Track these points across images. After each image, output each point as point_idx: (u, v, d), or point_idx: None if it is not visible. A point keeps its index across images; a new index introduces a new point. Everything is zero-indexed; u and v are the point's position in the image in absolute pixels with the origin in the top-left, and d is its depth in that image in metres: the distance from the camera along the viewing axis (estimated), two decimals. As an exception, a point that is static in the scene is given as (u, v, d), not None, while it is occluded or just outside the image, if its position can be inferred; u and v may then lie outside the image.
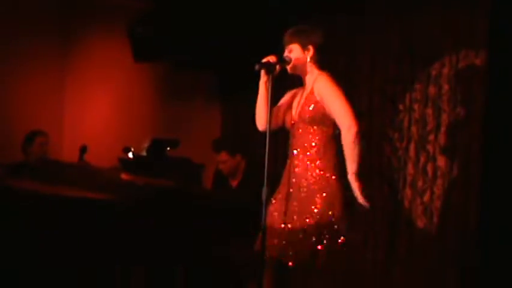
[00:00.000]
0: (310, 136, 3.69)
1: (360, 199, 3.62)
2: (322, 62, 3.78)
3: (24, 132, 5.76)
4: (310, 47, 3.74)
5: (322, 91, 3.67)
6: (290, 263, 3.62)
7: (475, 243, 4.92)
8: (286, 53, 3.75)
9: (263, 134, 3.67)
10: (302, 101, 3.74)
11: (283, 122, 3.84)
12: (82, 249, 4.09)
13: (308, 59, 3.74)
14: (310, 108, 3.68)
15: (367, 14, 5.56)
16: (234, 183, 5.52)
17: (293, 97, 3.86)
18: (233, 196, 5.35)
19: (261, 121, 3.78)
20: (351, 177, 3.61)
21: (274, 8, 5.53)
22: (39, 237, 4.02)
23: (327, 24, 3.96)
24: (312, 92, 3.71)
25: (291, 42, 3.75)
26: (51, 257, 4.03)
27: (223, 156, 5.47)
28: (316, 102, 3.69)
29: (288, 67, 3.74)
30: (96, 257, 4.13)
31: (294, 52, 3.74)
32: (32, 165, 5.43)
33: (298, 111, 3.73)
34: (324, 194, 3.64)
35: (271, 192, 3.70)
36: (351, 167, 3.60)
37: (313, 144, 3.69)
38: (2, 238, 4.03)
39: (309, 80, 3.78)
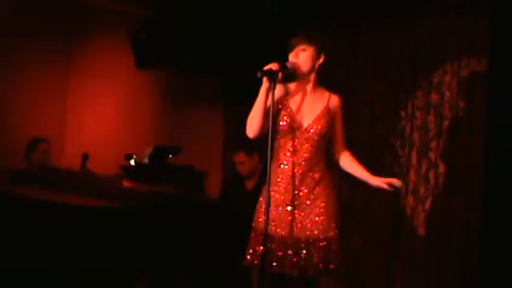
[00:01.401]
0: (313, 147, 3.68)
1: (391, 181, 3.73)
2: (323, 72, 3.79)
3: (26, 139, 5.76)
4: (323, 55, 3.72)
5: (339, 115, 3.78)
6: (296, 273, 3.61)
7: (477, 250, 4.91)
8: (294, 54, 3.68)
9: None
10: (317, 113, 3.70)
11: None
12: (83, 256, 4.08)
13: (316, 67, 3.73)
14: (327, 123, 3.69)
15: (368, 22, 5.57)
16: (250, 184, 5.49)
17: (281, 99, 3.76)
18: (235, 203, 5.34)
19: (253, 128, 3.68)
20: (372, 179, 3.77)
21: (275, 15, 5.53)
22: (41, 244, 4.02)
23: (327, 32, 3.94)
24: (328, 108, 3.72)
25: (306, 43, 3.68)
26: (52, 264, 4.03)
27: (241, 157, 5.44)
28: (329, 118, 3.71)
29: (297, 71, 3.69)
30: (97, 264, 4.13)
31: (306, 54, 3.68)
32: (34, 172, 5.43)
33: (311, 122, 3.68)
34: (326, 205, 3.65)
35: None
36: (365, 175, 3.81)
37: (314, 154, 3.69)
38: (3, 245, 4.03)
39: (313, 91, 3.74)
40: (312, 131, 3.68)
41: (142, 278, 4.54)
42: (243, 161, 5.43)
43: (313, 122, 3.69)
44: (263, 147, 3.57)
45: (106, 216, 4.19)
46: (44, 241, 4.02)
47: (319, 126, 3.68)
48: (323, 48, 3.71)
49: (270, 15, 5.63)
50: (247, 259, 3.69)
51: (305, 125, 3.69)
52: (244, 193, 5.49)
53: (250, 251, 3.68)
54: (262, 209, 3.68)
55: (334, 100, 3.76)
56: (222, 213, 4.78)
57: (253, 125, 3.69)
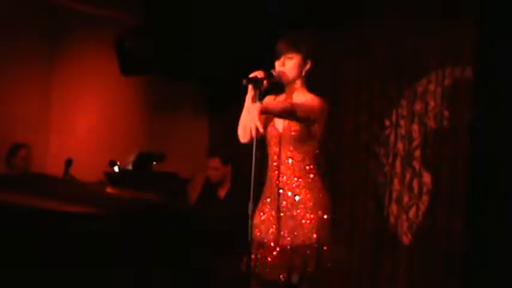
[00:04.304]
0: (295, 152, 3.67)
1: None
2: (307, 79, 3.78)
3: (8, 144, 5.72)
4: (309, 61, 3.70)
5: (308, 98, 3.67)
6: (281, 280, 3.61)
7: (461, 260, 4.92)
8: (281, 62, 3.66)
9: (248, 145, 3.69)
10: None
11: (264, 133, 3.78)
12: (65, 263, 4.06)
13: (303, 73, 3.72)
14: (297, 127, 3.65)
15: (353, 30, 5.58)
16: (222, 192, 5.50)
17: None
18: (218, 211, 5.33)
19: (245, 134, 3.72)
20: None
21: (262, 23, 5.54)
22: (21, 250, 3.99)
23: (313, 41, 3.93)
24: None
25: (293, 51, 3.66)
26: (32, 270, 4.00)
27: (216, 162, 5.44)
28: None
29: (283, 78, 3.68)
30: (78, 270, 4.10)
31: (293, 62, 3.66)
32: (15, 178, 5.39)
33: (284, 126, 3.69)
34: (315, 213, 3.64)
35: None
36: None
37: (298, 160, 3.68)
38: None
39: (297, 97, 3.74)
40: (288, 135, 3.67)
41: (124, 284, 4.51)
42: (216, 167, 5.44)
43: (285, 125, 3.68)
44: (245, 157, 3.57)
45: (89, 223, 4.16)
46: (25, 247, 3.99)
47: (288, 128, 3.66)
48: (309, 54, 3.70)
49: (255, 21, 5.63)
50: (244, 265, 3.68)
51: (284, 129, 3.69)
52: (217, 201, 5.49)
53: (246, 259, 3.67)
54: (260, 218, 3.70)
55: (312, 99, 3.66)
56: (202, 220, 4.79)
57: (244, 132, 3.71)
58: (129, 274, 4.42)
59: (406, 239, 5.28)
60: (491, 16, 4.82)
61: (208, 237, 4.72)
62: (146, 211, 4.43)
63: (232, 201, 5.28)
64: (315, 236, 3.60)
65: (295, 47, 3.67)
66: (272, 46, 3.74)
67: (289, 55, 3.66)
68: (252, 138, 3.62)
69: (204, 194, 5.70)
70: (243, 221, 3.58)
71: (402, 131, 5.36)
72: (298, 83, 3.72)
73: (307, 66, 3.70)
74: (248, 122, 3.63)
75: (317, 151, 3.73)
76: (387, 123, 5.45)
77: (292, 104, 3.59)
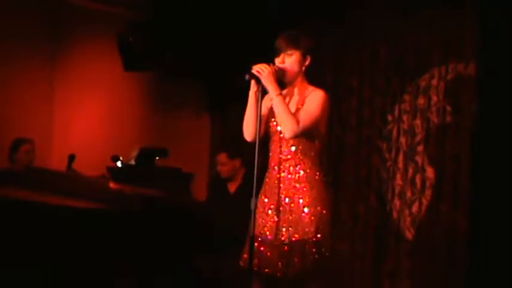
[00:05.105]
0: (297, 147, 3.67)
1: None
2: (309, 75, 3.77)
3: (12, 139, 5.74)
4: (308, 57, 3.70)
5: (309, 100, 3.66)
6: (278, 274, 3.61)
7: (464, 255, 4.92)
8: (281, 59, 3.67)
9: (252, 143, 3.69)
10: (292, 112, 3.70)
11: (266, 129, 3.78)
12: (68, 258, 4.07)
13: (303, 69, 3.72)
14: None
15: (355, 25, 5.57)
16: (232, 187, 5.51)
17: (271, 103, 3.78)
18: (226, 206, 5.33)
19: (249, 131, 3.73)
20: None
21: (264, 19, 5.53)
22: (23, 245, 4.00)
23: (315, 36, 3.92)
24: (302, 106, 3.69)
25: (292, 48, 3.67)
26: (34, 265, 4.01)
27: (223, 158, 5.47)
28: None
29: (284, 75, 3.68)
30: (82, 266, 4.11)
31: (293, 59, 3.67)
32: (18, 173, 5.40)
33: None
34: (313, 208, 3.64)
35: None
36: None
37: (299, 155, 3.68)
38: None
39: (298, 92, 3.73)
40: None
41: (126, 281, 4.52)
42: (223, 162, 5.47)
43: None
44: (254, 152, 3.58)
45: (91, 218, 4.17)
46: (27, 242, 4.00)
47: None
48: (309, 50, 3.70)
49: (256, 18, 5.62)
50: (243, 261, 3.69)
51: None
52: (227, 196, 5.50)
53: (245, 254, 3.68)
54: (262, 215, 3.71)
55: (315, 94, 3.68)
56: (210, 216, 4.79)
57: (248, 129, 3.73)
58: (132, 269, 4.43)
59: (409, 234, 5.27)
60: (494, 10, 4.81)
61: (211, 233, 4.72)
62: (149, 206, 4.44)
63: (241, 197, 5.28)
64: (313, 230, 3.61)
65: (294, 44, 3.67)
66: (272, 43, 3.74)
67: (289, 52, 3.67)
68: (256, 137, 3.63)
69: (215, 189, 5.72)
70: (247, 217, 3.58)
71: (405, 126, 5.36)
72: (299, 78, 3.73)
73: (307, 62, 3.71)
74: (250, 122, 3.64)
75: (318, 147, 3.73)
76: (390, 118, 5.45)
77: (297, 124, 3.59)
